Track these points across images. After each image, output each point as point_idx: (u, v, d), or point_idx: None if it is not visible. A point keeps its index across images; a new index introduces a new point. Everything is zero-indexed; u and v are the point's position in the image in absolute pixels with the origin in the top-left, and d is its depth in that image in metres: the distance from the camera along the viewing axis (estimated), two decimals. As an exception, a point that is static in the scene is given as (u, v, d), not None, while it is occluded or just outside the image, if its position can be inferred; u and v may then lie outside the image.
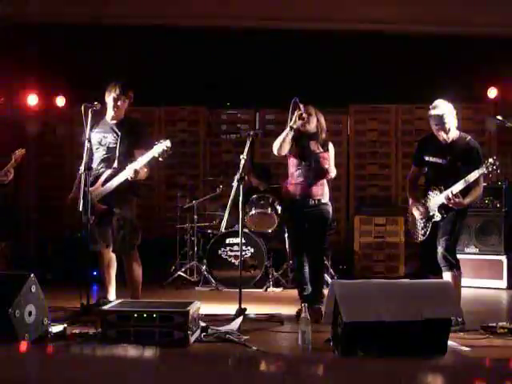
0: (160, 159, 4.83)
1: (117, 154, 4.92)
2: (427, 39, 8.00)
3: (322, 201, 4.98)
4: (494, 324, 4.27)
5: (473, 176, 4.37)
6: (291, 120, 4.93)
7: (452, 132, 4.55)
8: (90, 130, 4.92)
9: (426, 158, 4.67)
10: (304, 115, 4.87)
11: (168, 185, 8.51)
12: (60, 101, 8.38)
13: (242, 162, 4.95)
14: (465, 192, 4.46)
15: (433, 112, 4.52)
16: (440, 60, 7.91)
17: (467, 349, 3.80)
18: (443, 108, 4.49)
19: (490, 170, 4.32)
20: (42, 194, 8.56)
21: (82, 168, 4.87)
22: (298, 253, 5.09)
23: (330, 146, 5.06)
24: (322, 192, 4.98)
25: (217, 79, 8.19)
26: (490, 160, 4.34)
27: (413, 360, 1.15)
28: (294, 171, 4.98)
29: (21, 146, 5.78)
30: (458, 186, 4.41)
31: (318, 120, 5.05)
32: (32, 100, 8.27)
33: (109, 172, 4.94)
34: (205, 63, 8.29)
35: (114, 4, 7.71)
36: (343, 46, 8.17)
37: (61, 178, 8.30)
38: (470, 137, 4.62)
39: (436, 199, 4.57)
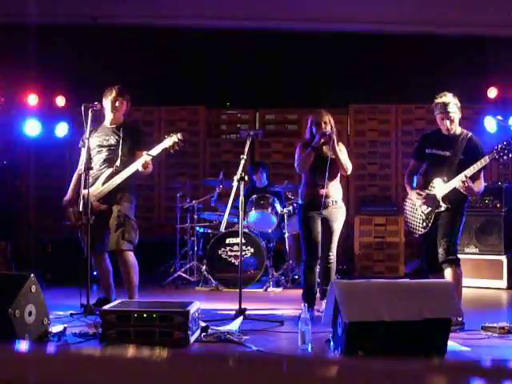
0: (171, 151, 4.90)
1: (119, 154, 4.93)
2: (427, 39, 8.00)
3: (338, 202, 5.10)
4: (494, 324, 4.27)
5: (484, 161, 4.36)
6: (309, 134, 5.03)
7: (455, 124, 4.55)
8: (89, 135, 4.93)
9: (427, 151, 4.66)
10: (327, 133, 4.88)
11: (168, 185, 8.51)
12: (60, 101, 8.38)
13: (242, 161, 4.95)
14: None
15: (439, 99, 4.54)
16: (440, 60, 7.91)
17: (467, 349, 3.80)
18: (449, 97, 4.52)
19: (501, 154, 4.30)
20: (42, 194, 8.56)
21: (82, 168, 4.88)
22: (311, 253, 5.02)
23: (341, 146, 5.08)
24: (338, 193, 5.11)
25: (217, 79, 8.19)
26: (500, 145, 4.34)
27: (413, 360, 1.15)
28: (310, 174, 5.04)
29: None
30: (470, 171, 4.39)
31: (330, 125, 5.03)
32: (32, 100, 8.27)
33: (109, 171, 4.93)
34: (205, 63, 8.30)
35: (114, 4, 7.72)
36: (343, 46, 8.18)
37: (61, 177, 8.30)
38: (471, 133, 4.63)
39: (441, 189, 4.55)
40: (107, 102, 5.03)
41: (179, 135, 4.87)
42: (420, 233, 4.70)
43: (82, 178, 4.84)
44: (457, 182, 4.43)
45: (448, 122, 4.51)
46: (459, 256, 4.65)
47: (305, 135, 5.21)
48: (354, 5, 7.57)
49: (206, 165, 8.63)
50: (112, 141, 5.00)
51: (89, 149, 4.94)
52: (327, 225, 5.05)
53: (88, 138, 4.90)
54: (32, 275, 3.82)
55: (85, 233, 4.79)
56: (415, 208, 4.73)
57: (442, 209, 4.55)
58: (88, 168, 4.82)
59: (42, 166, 8.56)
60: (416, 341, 3.48)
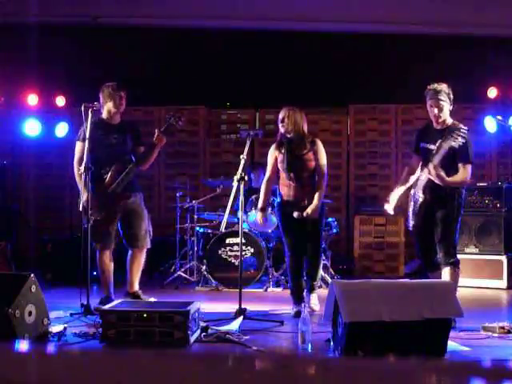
0: (177, 126, 5.31)
1: (129, 149, 5.15)
2: (427, 39, 8.01)
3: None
4: (494, 324, 4.27)
5: (444, 147, 4.35)
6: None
7: (444, 114, 4.53)
8: (90, 132, 4.99)
9: (421, 145, 4.68)
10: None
11: (168, 185, 8.51)
12: (60, 101, 8.38)
13: (242, 161, 4.96)
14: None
15: (429, 87, 4.56)
16: (440, 60, 7.91)
17: (467, 349, 3.80)
18: (442, 86, 4.53)
19: (455, 138, 4.30)
20: (42, 194, 8.56)
21: (81, 168, 4.90)
22: (294, 254, 5.17)
23: (317, 143, 5.09)
24: (313, 192, 5.04)
25: (217, 79, 8.19)
26: (455, 131, 4.34)
27: (413, 360, 1.14)
28: (284, 176, 5.11)
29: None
30: (436, 158, 4.41)
31: (295, 122, 5.00)
32: (32, 100, 8.27)
33: (120, 165, 5.06)
34: (205, 63, 8.30)
35: (114, 4, 7.72)
36: (343, 46, 8.18)
37: (61, 178, 8.31)
38: (461, 125, 4.59)
39: (422, 180, 4.57)
40: (111, 102, 5.10)
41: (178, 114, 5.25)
42: (410, 226, 4.71)
43: (83, 178, 4.89)
44: (426, 173, 4.45)
45: (436, 110, 4.50)
46: (459, 256, 4.65)
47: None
48: (354, 5, 7.57)
49: (206, 165, 8.63)
50: (117, 137, 5.13)
51: (88, 149, 4.96)
52: (306, 225, 5.15)
53: (88, 138, 4.91)
54: (32, 275, 3.82)
55: (86, 231, 4.93)
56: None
57: (421, 199, 4.55)
58: (88, 168, 4.86)
59: (42, 165, 8.56)
60: (416, 341, 3.48)
